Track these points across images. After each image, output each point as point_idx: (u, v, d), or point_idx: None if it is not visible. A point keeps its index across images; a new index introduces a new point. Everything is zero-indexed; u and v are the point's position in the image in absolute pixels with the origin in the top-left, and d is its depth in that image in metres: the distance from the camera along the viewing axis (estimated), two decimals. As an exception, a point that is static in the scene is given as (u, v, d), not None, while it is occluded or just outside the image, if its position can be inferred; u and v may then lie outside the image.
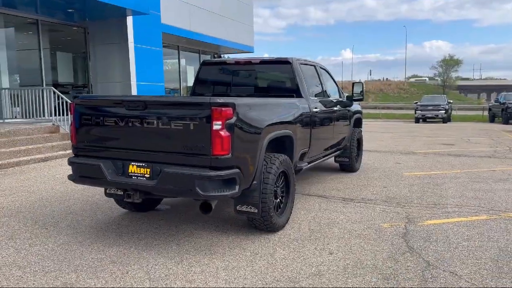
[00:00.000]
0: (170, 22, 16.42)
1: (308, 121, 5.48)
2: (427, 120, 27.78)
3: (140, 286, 3.30)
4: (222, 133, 3.63)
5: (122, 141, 4.10)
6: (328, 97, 6.63)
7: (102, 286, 3.30)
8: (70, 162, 4.30)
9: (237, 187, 3.81)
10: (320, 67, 6.73)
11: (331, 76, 7.21)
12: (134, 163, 4.01)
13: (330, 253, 4.00)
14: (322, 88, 6.42)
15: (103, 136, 4.19)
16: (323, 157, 6.51)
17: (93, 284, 3.34)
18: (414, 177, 7.57)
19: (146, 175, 3.95)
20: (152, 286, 3.30)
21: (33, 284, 3.34)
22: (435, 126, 23.44)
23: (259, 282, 3.38)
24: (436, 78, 79.21)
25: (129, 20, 12.92)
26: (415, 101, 32.94)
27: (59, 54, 13.77)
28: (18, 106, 11.53)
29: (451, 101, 30.76)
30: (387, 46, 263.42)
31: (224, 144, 3.65)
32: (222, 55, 23.79)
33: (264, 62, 5.87)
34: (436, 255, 3.94)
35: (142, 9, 12.22)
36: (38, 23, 12.71)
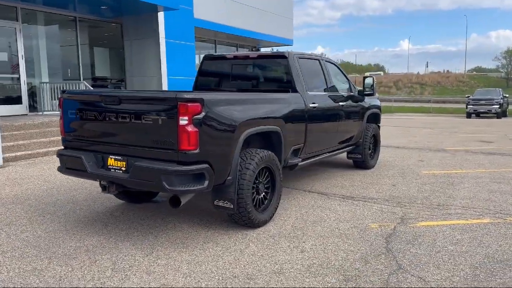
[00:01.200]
0: (206, 17, 16.66)
1: (303, 116, 5.38)
2: (481, 115, 26.32)
3: (101, 275, 3.42)
4: (188, 128, 3.66)
5: (101, 135, 4.24)
6: (335, 92, 6.46)
7: (66, 274, 3.44)
8: (58, 154, 4.51)
9: (206, 182, 3.83)
10: (327, 61, 6.57)
11: (341, 71, 7.02)
12: (112, 157, 4.14)
13: (301, 251, 3.93)
14: (327, 83, 6.26)
15: (86, 130, 4.36)
16: (328, 153, 6.36)
17: (59, 271, 3.50)
18: (430, 176, 7.23)
19: (122, 168, 4.06)
20: (111, 275, 3.41)
21: (6, 268, 3.55)
22: (485, 121, 22.21)
23: (216, 277, 3.40)
24: (501, 71, 74.42)
25: (161, 15, 13.24)
26: (467, 95, 31.25)
27: (96, 49, 14.39)
28: (56, 99, 12.19)
29: (507, 95, 28.88)
30: (449, 36, 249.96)
31: (191, 139, 3.68)
32: (260, 48, 23.79)
33: (261, 56, 5.82)
34: (412, 259, 3.76)
35: (172, 4, 12.47)
36: (76, 20, 13.34)
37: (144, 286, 3.24)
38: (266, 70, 5.84)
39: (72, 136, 4.47)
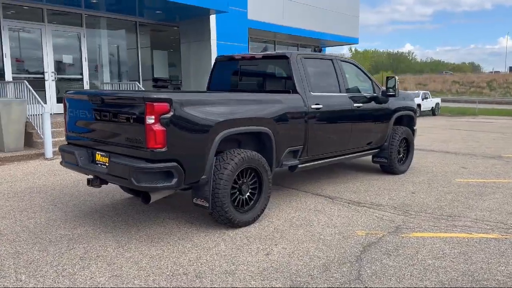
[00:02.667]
0: (264, 18, 16.84)
1: (302, 117, 5.27)
2: None
3: (66, 262, 3.67)
4: (155, 127, 3.79)
5: (91, 132, 4.54)
6: (351, 93, 6.22)
7: (39, 258, 3.74)
8: (59, 149, 4.90)
9: (174, 180, 3.93)
10: (343, 61, 6.35)
11: (362, 71, 6.74)
12: (99, 152, 4.41)
13: (267, 254, 3.88)
14: (339, 83, 6.05)
15: (80, 127, 4.68)
16: (340, 156, 6.15)
17: (35, 255, 3.81)
18: (462, 185, 6.67)
19: (106, 164, 4.31)
20: (75, 263, 3.64)
21: (-6, 249, 3.96)
22: None
23: (167, 273, 3.48)
24: None
25: (213, 18, 13.62)
26: None
27: (155, 52, 15.17)
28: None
29: None
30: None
31: (158, 138, 3.80)
32: (322, 48, 23.43)
33: (266, 57, 5.79)
34: (377, 270, 3.55)
35: (222, 7, 12.77)
36: (136, 24, 14.21)
37: (95, 275, 3.42)
38: (270, 70, 5.80)
39: (72, 133, 4.83)
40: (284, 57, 5.49)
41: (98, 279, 3.37)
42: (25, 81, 9.77)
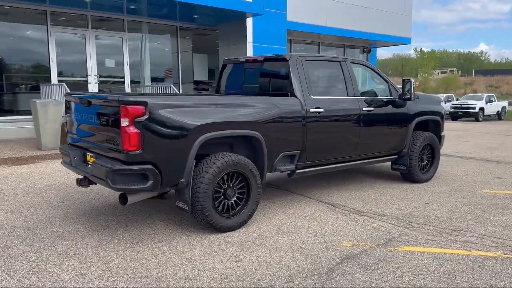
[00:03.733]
0: (306, 19, 16.66)
1: (298, 121, 5.12)
2: None
3: (43, 258, 3.81)
4: (129, 129, 3.84)
5: (83, 133, 4.69)
6: (361, 96, 5.95)
7: (22, 254, 3.92)
8: (59, 149, 5.12)
9: (150, 182, 3.96)
10: (354, 63, 6.09)
11: (377, 73, 6.42)
12: (89, 153, 4.55)
13: (237, 261, 3.80)
14: (347, 86, 5.81)
15: (76, 128, 4.86)
16: (347, 162, 5.89)
17: (20, 250, 4.00)
18: (486, 196, 6.15)
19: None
20: (51, 260, 3.77)
21: (-14, 242, 4.21)
22: None
23: (130, 275, 3.51)
24: None
25: (249, 21, 13.67)
26: None
27: (195, 55, 15.50)
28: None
29: None
30: None
31: (132, 140, 3.85)
32: (371, 49, 22.70)
33: (267, 59, 5.68)
34: (344, 284, 3.35)
35: (258, 10, 12.79)
36: (177, 29, 14.60)
37: (62, 273, 3.52)
38: (271, 73, 5.69)
39: (71, 134, 5.03)
40: (283, 59, 5.36)
41: (63, 277, 3.47)
42: (64, 84, 10.35)
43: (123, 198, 4.15)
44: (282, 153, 5.06)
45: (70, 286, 3.30)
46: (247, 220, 4.68)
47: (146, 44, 14.43)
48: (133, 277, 3.46)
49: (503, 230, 4.67)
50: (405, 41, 22.87)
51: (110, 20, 13.10)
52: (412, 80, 6.22)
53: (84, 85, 12.58)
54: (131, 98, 3.91)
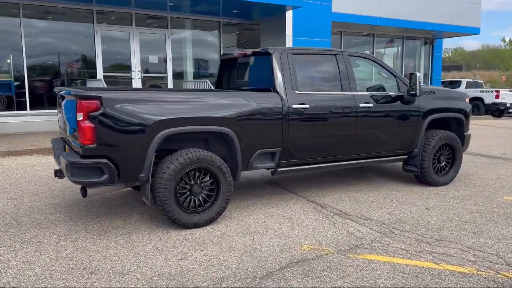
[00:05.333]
0: (355, 10, 16.09)
1: (279, 118, 4.92)
2: None
3: (10, 245, 4.04)
4: (84, 124, 3.94)
5: (63, 126, 4.90)
6: (358, 91, 5.59)
7: (-8, 238, 4.21)
8: (51, 141, 5.39)
9: (105, 176, 4.03)
10: (354, 56, 5.71)
11: (383, 67, 5.97)
12: (67, 146, 4.75)
13: (182, 259, 3.76)
14: (341, 81, 5.47)
15: (60, 121, 5.08)
16: (339, 161, 5.57)
17: (-9, 235, 4.29)
18: (504, 204, 5.51)
19: None
20: (15, 246, 3.99)
21: (-30, 226, 4.55)
22: None
23: (73, 265, 3.60)
24: None
25: (289, 14, 13.40)
26: None
27: (237, 50, 15.53)
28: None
29: None
30: None
31: (86, 134, 3.95)
32: (435, 40, 21.26)
33: (254, 54, 5.50)
34: (269, 291, 3.17)
35: (296, 2, 12.51)
36: (220, 24, 14.75)
37: (14, 259, 3.70)
38: (258, 68, 5.51)
39: (59, 127, 5.28)
40: (267, 53, 5.18)
41: (12, 263, 3.65)
42: (102, 79, 10.91)
43: (84, 190, 4.26)
44: (259, 151, 4.90)
45: (12, 272, 3.46)
46: (216, 218, 4.60)
47: (189, 40, 14.74)
48: (72, 268, 3.55)
49: (495, 244, 4.15)
50: (474, 31, 21.13)
51: (153, 17, 13.57)
52: (418, 74, 5.69)
53: (128, 80, 13.17)
54: (86, 93, 3.99)
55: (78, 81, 12.65)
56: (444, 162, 6.45)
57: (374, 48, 19.63)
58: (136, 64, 13.26)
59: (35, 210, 5.13)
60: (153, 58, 13.71)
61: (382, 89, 5.98)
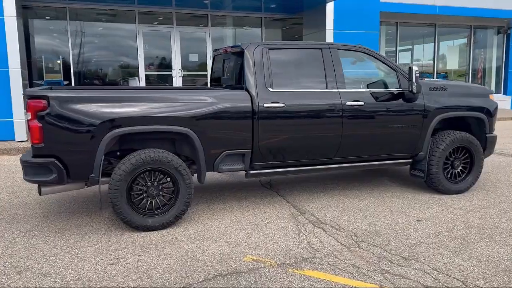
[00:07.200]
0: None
1: (248, 118, 4.64)
2: None
3: (-32, 238, 4.24)
4: (32, 123, 3.98)
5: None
6: (347, 88, 5.09)
7: (-39, 231, 4.43)
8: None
9: (54, 175, 4.05)
10: (341, 49, 5.19)
11: (382, 61, 5.37)
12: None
13: (113, 263, 3.66)
14: (326, 77, 5.01)
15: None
16: (325, 165, 5.13)
17: (-37, 228, 4.52)
18: (518, 218, 4.73)
19: None
20: (-30, 241, 4.17)
21: (-47, 219, 4.85)
22: None
23: (7, 263, 3.65)
24: None
25: (330, 6, 12.77)
26: None
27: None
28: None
29: None
30: None
31: (34, 134, 3.99)
32: (510, 28, 19.12)
33: (233, 50, 5.22)
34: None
35: (336, -7, 11.92)
36: (261, 20, 14.51)
37: (-40, 254, 3.86)
38: (235, 65, 5.21)
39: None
40: (241, 49, 4.90)
41: (-43, 258, 3.79)
42: (136, 78, 11.22)
43: (39, 189, 4.32)
44: (226, 152, 4.64)
45: (-50, 267, 3.59)
46: (174, 221, 4.45)
47: (230, 37, 14.69)
48: (4, 266, 3.60)
49: (470, 267, 3.53)
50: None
51: (194, 16, 13.70)
52: (415, 67, 5.03)
53: (169, 78, 13.45)
54: (33, 93, 4.03)
55: (120, 80, 13.15)
56: (460, 168, 5.69)
57: (436, 40, 18.15)
58: (177, 63, 13.49)
59: (22, 204, 5.33)
60: (193, 56, 13.86)
61: (384, 85, 5.40)
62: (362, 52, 5.34)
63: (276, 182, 6.34)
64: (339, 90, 5.04)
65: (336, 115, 4.99)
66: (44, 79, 12.26)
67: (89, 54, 13.03)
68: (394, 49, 17.22)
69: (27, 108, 4.00)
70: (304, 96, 4.91)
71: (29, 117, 3.99)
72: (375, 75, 5.53)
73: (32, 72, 12.22)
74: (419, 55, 18.86)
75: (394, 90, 5.29)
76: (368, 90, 5.23)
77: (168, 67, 13.51)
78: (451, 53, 19.23)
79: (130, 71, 13.21)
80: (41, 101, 3.97)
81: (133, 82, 11.93)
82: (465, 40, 19.22)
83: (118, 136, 4.20)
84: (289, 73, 4.96)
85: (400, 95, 5.29)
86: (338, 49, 5.18)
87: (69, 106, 4.05)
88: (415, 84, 5.03)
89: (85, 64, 13.01)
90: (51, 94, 4.01)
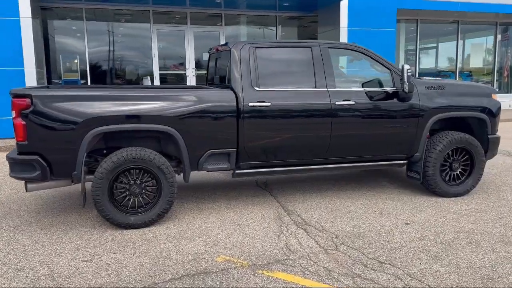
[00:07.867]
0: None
1: (232, 117, 4.61)
2: None
3: (-41, 232, 4.38)
4: (16, 121, 4.08)
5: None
6: (336, 88, 5.00)
7: (-45, 225, 4.59)
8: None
9: (37, 172, 4.14)
10: (332, 47, 5.09)
11: (375, 59, 5.24)
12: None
13: (88, 260, 3.70)
14: (315, 76, 4.92)
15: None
16: (315, 165, 5.05)
17: (-43, 222, 4.68)
18: (514, 223, 4.52)
19: None
20: (-41, 235, 4.31)
21: (-49, 213, 5.03)
22: None
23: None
24: None
25: (345, 3, 12.57)
26: None
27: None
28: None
29: None
30: None
31: (18, 132, 4.09)
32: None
33: (221, 49, 5.20)
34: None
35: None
36: (276, 18, 14.43)
37: None
38: (224, 63, 5.20)
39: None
40: (228, 48, 4.87)
41: None
42: (148, 77, 11.36)
43: (26, 185, 4.41)
44: (210, 151, 4.63)
45: None
46: (156, 220, 4.47)
47: (244, 36, 14.67)
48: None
49: (446, 273, 3.40)
50: None
51: (208, 15, 13.76)
52: (406, 66, 4.87)
53: (182, 77, 13.56)
54: (17, 91, 4.12)
55: (134, 79, 13.36)
56: (460, 170, 5.49)
57: (459, 37, 17.60)
58: (191, 62, 13.59)
59: (12, 201, 5.47)
60: (207, 56, 13.90)
61: (378, 84, 5.27)
62: (355, 51, 5.23)
63: (271, 182, 6.29)
64: (328, 89, 4.95)
65: (323, 115, 4.90)
66: (62, 78, 12.59)
67: (105, 53, 13.28)
68: (414, 47, 16.80)
69: (12, 106, 4.10)
70: (292, 95, 4.84)
71: (14, 115, 4.09)
72: (370, 74, 5.40)
73: (51, 71, 12.57)
74: (443, 53, 18.33)
75: (387, 89, 5.16)
76: (359, 89, 5.12)
77: (182, 66, 13.62)
78: (475, 51, 18.60)
79: (145, 70, 13.40)
80: (25, 99, 4.06)
81: (145, 82, 12.09)
82: (490, 38, 18.57)
83: (100, 134, 4.26)
84: (277, 72, 4.90)
85: (394, 95, 5.15)
86: (329, 47, 5.08)
87: (51, 104, 4.13)
88: (407, 83, 4.88)
89: (100, 63, 13.27)
90: (34, 92, 4.10)
